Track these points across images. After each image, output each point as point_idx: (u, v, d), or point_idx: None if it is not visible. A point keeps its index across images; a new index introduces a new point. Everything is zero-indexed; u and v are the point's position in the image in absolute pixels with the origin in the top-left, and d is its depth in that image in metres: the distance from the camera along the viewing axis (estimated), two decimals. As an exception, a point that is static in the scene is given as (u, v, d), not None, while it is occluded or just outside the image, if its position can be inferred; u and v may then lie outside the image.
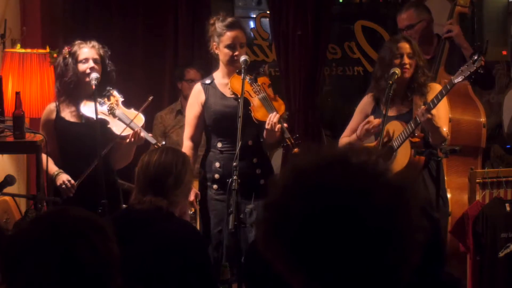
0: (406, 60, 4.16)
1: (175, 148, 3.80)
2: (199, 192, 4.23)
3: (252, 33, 6.15)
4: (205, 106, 4.26)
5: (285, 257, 1.25)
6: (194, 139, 4.30)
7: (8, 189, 3.97)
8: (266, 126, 4.05)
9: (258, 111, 4.14)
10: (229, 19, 4.25)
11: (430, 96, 4.14)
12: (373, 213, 1.20)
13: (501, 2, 6.14)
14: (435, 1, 5.45)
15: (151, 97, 4.23)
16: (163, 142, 4.27)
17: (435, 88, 4.20)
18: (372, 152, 1.27)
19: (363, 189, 1.21)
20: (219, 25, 4.20)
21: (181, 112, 5.33)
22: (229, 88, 4.19)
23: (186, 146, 4.28)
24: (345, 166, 1.24)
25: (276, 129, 4.03)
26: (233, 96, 4.19)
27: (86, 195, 4.06)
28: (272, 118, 4.04)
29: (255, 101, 4.16)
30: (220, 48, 4.19)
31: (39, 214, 2.63)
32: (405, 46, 4.19)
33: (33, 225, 1.70)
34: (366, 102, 4.40)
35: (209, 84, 4.28)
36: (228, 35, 4.16)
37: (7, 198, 4.33)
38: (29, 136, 4.19)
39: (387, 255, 1.22)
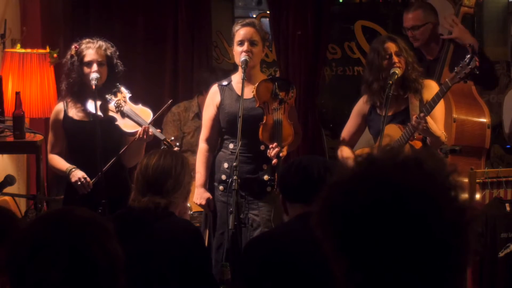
0: (395, 59, 4.14)
1: (173, 151, 3.80)
2: (211, 197, 4.19)
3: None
4: (220, 107, 4.22)
5: (333, 239, 1.23)
6: (210, 141, 4.26)
7: (8, 189, 3.98)
8: (268, 153, 4.04)
9: (265, 131, 4.08)
10: (246, 20, 4.26)
11: (425, 93, 4.13)
12: (441, 225, 1.19)
13: (501, 2, 6.12)
14: (435, 1, 5.43)
15: (170, 101, 4.36)
16: (172, 138, 4.23)
17: (430, 84, 4.20)
18: (445, 163, 1.25)
19: (434, 198, 1.20)
20: (235, 26, 4.21)
21: (198, 116, 5.27)
22: (252, 91, 4.13)
23: (201, 149, 4.26)
24: (419, 169, 1.22)
25: (273, 163, 4.02)
26: (251, 98, 4.13)
27: (93, 193, 4.06)
28: (272, 151, 4.02)
29: (269, 119, 4.10)
30: (234, 48, 4.18)
31: (44, 214, 2.61)
32: (391, 46, 4.17)
33: (39, 225, 1.68)
34: (362, 103, 4.38)
35: (226, 85, 4.25)
36: (239, 32, 4.14)
37: (7, 198, 4.33)
38: (29, 136, 4.20)
39: (438, 268, 1.20)
